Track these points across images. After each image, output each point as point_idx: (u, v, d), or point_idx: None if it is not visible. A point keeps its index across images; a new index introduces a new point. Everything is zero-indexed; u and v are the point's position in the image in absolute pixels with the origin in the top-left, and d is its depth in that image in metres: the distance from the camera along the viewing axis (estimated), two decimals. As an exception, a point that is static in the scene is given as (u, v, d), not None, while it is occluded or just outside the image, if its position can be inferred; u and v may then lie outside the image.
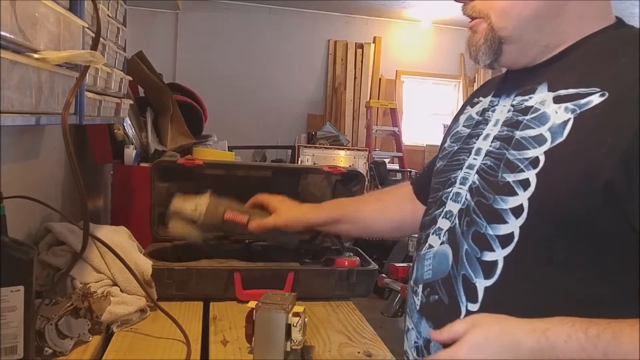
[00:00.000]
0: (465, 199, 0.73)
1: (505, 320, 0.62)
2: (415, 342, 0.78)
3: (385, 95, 6.50)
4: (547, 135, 0.66)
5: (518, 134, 0.70)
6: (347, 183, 1.44)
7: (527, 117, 0.70)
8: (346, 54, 6.43)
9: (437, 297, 0.74)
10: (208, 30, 6.08)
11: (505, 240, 0.67)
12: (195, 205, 1.12)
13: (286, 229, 1.10)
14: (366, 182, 4.21)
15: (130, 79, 1.29)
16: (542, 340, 0.58)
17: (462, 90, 6.81)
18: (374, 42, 6.53)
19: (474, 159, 0.76)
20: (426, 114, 6.92)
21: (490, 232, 0.68)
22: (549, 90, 0.70)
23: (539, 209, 0.64)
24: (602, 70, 0.66)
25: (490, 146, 0.74)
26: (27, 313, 0.69)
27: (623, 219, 0.60)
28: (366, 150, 5.53)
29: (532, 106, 0.71)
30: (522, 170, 0.67)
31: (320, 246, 1.33)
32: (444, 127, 6.86)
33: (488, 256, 0.68)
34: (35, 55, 0.62)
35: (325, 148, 5.41)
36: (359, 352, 0.95)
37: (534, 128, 0.68)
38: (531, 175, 0.65)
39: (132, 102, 1.47)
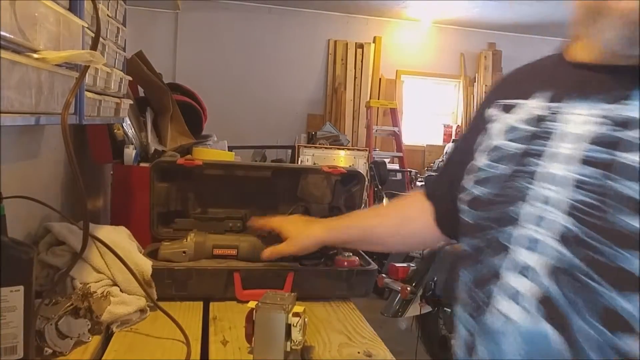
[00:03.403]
0: (557, 251, 0.53)
1: None
2: None
3: (385, 95, 6.50)
4: None
5: (622, 156, 0.52)
6: (347, 183, 1.43)
7: (631, 133, 0.52)
8: (346, 54, 6.43)
9: None
10: (208, 30, 6.07)
11: None
12: (182, 252, 1.18)
13: (302, 253, 1.09)
14: (366, 182, 4.21)
15: (130, 79, 1.29)
16: None
17: (462, 90, 6.81)
18: (374, 42, 6.52)
19: (549, 189, 0.56)
20: (426, 114, 6.92)
21: (626, 306, 0.48)
22: None
23: None
24: None
25: (575, 172, 0.54)
26: (27, 313, 0.68)
27: None
28: (366, 150, 5.53)
29: (636, 118, 0.52)
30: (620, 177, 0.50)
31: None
32: (444, 127, 6.87)
33: (628, 343, 0.48)
34: (35, 55, 0.62)
35: (325, 148, 5.41)
36: (359, 352, 0.95)
37: (631, 130, 0.52)
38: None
39: (132, 102, 1.47)
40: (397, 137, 6.00)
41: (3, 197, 0.68)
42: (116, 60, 1.16)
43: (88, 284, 0.96)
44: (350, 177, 1.42)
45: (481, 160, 0.67)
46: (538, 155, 0.59)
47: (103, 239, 1.00)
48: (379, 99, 6.36)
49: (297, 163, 5.13)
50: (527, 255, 0.56)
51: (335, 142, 5.58)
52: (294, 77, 6.38)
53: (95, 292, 0.93)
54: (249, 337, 0.89)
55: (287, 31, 6.31)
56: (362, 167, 5.19)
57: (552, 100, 0.61)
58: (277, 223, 1.11)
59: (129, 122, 1.57)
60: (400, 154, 5.94)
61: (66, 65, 0.77)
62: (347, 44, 6.44)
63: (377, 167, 4.80)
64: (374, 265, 1.26)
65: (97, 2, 0.87)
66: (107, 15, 1.04)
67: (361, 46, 6.46)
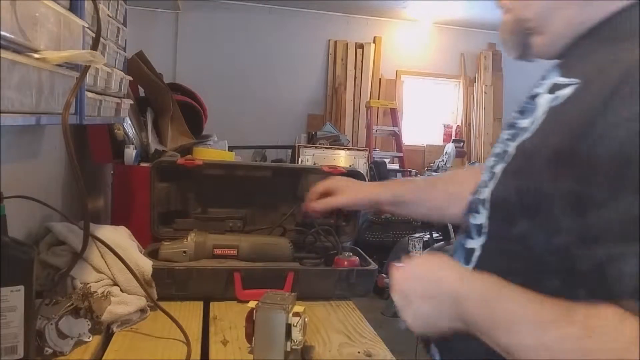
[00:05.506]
0: None
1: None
2: None
3: (386, 95, 6.50)
4: (528, 127, 0.63)
5: (519, 123, 0.66)
6: (347, 183, 1.43)
7: (529, 106, 0.66)
8: (346, 54, 6.43)
9: None
10: (208, 30, 6.08)
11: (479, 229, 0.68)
12: (182, 252, 1.18)
13: (352, 207, 1.19)
14: (366, 182, 4.20)
15: (130, 79, 1.29)
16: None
17: (462, 90, 6.81)
18: (374, 42, 6.52)
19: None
20: (426, 114, 6.92)
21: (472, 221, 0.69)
22: (559, 76, 0.63)
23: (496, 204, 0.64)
24: (601, 56, 0.58)
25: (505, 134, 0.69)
26: (27, 313, 0.69)
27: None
28: (366, 150, 5.53)
29: (538, 93, 0.65)
30: (499, 162, 0.66)
31: (320, 245, 1.33)
32: (444, 127, 6.87)
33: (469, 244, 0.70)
34: (36, 55, 0.62)
35: (325, 148, 5.41)
36: (359, 352, 0.95)
37: (526, 118, 0.65)
38: (499, 169, 0.65)
39: (132, 102, 1.47)
40: (397, 137, 6.01)
41: (3, 197, 0.68)
42: (117, 60, 1.16)
43: (88, 283, 0.96)
44: (350, 177, 1.42)
45: None
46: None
47: (103, 238, 1.00)
48: (379, 99, 6.36)
49: (297, 163, 5.14)
50: None
51: (335, 142, 5.58)
52: (294, 77, 6.38)
53: (96, 292, 0.93)
54: (249, 337, 0.89)
55: (287, 31, 6.31)
56: (362, 167, 5.19)
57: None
58: (330, 182, 1.18)
59: (129, 122, 1.57)
60: (400, 154, 5.94)
61: (67, 65, 0.77)
62: (347, 44, 6.44)
63: (377, 167, 4.80)
64: (374, 265, 1.26)
65: (98, 2, 0.87)
66: (108, 15, 1.04)
67: (361, 46, 6.46)
